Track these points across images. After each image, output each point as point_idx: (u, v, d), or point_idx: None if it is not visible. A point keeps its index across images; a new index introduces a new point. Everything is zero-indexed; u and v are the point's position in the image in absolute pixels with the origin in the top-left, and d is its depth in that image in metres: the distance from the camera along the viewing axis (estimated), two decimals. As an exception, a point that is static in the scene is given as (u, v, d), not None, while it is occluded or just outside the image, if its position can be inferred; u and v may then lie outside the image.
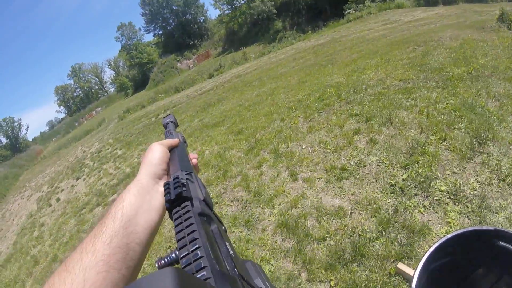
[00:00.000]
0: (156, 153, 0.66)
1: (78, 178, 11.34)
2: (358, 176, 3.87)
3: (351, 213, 3.40)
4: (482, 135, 3.69)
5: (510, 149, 3.47)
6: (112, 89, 79.56)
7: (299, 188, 4.15)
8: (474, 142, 3.66)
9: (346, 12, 24.00)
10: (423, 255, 1.19)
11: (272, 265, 3.15)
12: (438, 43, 7.53)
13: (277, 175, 4.58)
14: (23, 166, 34.51)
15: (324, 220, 3.40)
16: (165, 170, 0.65)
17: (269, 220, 3.80)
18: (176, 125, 0.94)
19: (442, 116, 4.36)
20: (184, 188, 0.51)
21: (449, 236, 1.20)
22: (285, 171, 4.61)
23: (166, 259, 0.43)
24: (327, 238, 3.18)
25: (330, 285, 2.74)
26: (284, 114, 6.63)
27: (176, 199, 0.50)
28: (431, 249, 1.19)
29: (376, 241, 2.95)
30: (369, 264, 2.77)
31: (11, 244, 8.92)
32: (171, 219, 0.49)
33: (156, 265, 0.43)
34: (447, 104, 4.63)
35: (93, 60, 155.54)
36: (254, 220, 3.90)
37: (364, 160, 4.10)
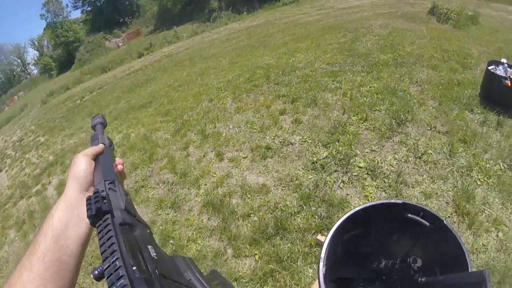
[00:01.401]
0: (81, 166, 0.67)
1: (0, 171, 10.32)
2: (282, 155, 3.97)
3: (274, 189, 3.47)
4: (402, 116, 3.96)
5: (428, 130, 3.72)
6: (35, 71, 73.80)
7: (225, 167, 4.16)
8: (394, 123, 3.91)
9: (282, -5, 23.96)
10: (333, 225, 1.23)
11: (199, 244, 3.17)
12: (368, 30, 7.77)
13: (204, 156, 4.56)
14: None
15: (249, 198, 3.47)
16: (91, 181, 0.67)
17: (195, 201, 3.79)
18: (104, 125, 0.93)
19: (365, 98, 4.59)
20: (104, 201, 0.52)
21: (358, 208, 1.26)
22: (212, 151, 4.60)
23: (98, 270, 0.44)
24: (251, 215, 3.26)
25: (255, 259, 2.83)
26: (213, 95, 6.55)
27: (96, 214, 0.50)
28: (340, 220, 1.24)
29: (298, 215, 3.07)
30: (291, 237, 2.88)
31: None
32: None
33: (91, 276, 0.44)
34: (370, 87, 4.87)
35: (16, 40, 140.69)
36: (180, 201, 3.87)
37: (288, 139, 4.20)
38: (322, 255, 1.17)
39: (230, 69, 8.11)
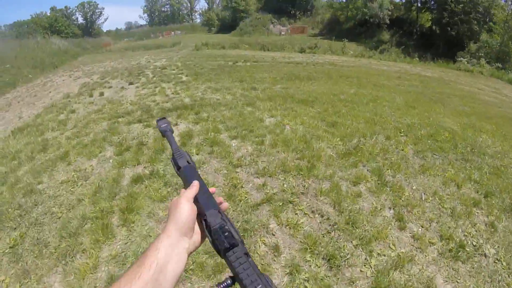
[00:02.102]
0: (184, 212, 0.69)
1: (131, 83, 10.55)
2: (475, 265, 2.98)
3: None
4: None
5: None
6: (198, 20, 78.89)
7: (406, 243, 3.17)
8: None
9: (459, 59, 22.88)
10: None
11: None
12: None
13: (379, 210, 3.59)
14: (87, 49, 34.36)
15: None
16: (192, 227, 0.70)
17: (362, 271, 2.77)
18: (172, 131, 0.95)
19: None
20: (231, 235, 0.64)
21: None
22: (390, 209, 3.64)
23: (223, 284, 0.60)
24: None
25: None
26: (390, 132, 5.64)
27: (229, 247, 0.62)
28: None
29: None
30: None
31: (34, 114, 8.28)
32: (225, 259, 0.63)
33: None
34: None
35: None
36: (341, 259, 2.83)
37: (481, 246, 3.19)
38: None
39: (407, 112, 7.15)
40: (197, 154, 4.65)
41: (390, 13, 35.24)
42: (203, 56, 17.92)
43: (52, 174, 4.60)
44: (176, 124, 5.93)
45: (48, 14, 68.18)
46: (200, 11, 78.35)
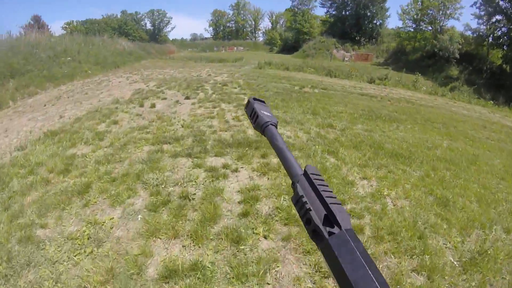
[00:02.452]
0: None
1: (187, 98, 9.47)
2: None
3: None
4: None
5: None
6: (260, 39, 79.50)
7: None
8: None
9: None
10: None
11: None
12: None
13: None
14: (151, 53, 34.84)
15: None
16: None
17: None
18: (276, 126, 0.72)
19: None
20: None
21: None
22: None
23: None
24: None
25: None
26: (507, 221, 3.89)
27: None
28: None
29: None
30: None
31: (75, 117, 7.53)
32: None
33: None
34: None
35: (257, 3, 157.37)
36: None
37: None
38: None
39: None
40: (265, 238, 3.06)
41: (460, 47, 32.93)
42: (267, 76, 16.73)
43: (61, 217, 3.40)
44: (236, 170, 4.45)
45: (119, 17, 71.78)
46: (264, 30, 79.68)
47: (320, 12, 64.90)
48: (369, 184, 4.36)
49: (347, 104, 10.15)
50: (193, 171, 4.37)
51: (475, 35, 33.75)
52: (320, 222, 0.46)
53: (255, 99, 0.77)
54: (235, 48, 57.63)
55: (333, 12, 50.87)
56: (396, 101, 13.44)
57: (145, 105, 8.41)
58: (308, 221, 0.48)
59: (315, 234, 0.47)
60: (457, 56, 32.35)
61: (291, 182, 0.56)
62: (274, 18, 76.85)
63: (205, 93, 10.31)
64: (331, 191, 0.51)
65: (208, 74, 16.40)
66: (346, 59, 37.05)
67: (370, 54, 39.31)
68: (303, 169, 0.57)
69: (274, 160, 4.68)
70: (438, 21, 35.60)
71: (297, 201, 0.52)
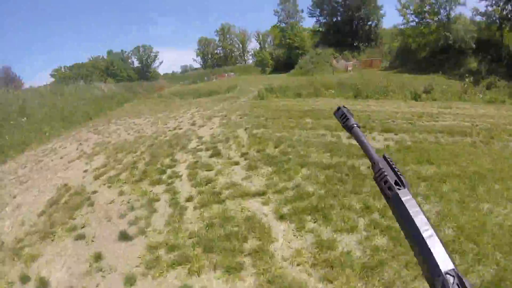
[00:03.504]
0: None
1: (124, 233, 5.04)
2: None
3: None
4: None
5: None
6: (250, 61, 77.30)
7: None
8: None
9: None
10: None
11: None
12: None
13: None
14: (138, 94, 32.32)
15: None
16: None
17: None
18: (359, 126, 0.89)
19: None
20: None
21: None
22: None
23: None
24: None
25: None
26: None
27: None
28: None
29: None
30: None
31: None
32: None
33: None
34: None
35: (242, 24, 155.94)
36: None
37: None
38: None
39: None
40: None
41: (475, 35, 28.79)
42: (277, 112, 12.70)
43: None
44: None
45: (105, 58, 70.42)
46: (252, 52, 77.45)
47: (308, 23, 62.57)
48: None
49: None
50: None
51: (488, 20, 29.97)
52: (393, 182, 0.68)
53: (344, 106, 0.92)
54: (226, 74, 55.52)
55: (324, 21, 48.03)
56: (487, 131, 8.72)
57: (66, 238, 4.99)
58: (385, 182, 0.69)
59: (390, 189, 0.67)
60: (473, 46, 28.44)
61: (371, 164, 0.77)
62: (261, 37, 75.00)
63: (171, 193, 6.06)
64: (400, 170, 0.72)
65: (192, 121, 12.72)
66: (349, 68, 33.36)
67: (374, 60, 35.62)
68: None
69: None
70: (445, 9, 31.81)
71: (378, 170, 0.72)
